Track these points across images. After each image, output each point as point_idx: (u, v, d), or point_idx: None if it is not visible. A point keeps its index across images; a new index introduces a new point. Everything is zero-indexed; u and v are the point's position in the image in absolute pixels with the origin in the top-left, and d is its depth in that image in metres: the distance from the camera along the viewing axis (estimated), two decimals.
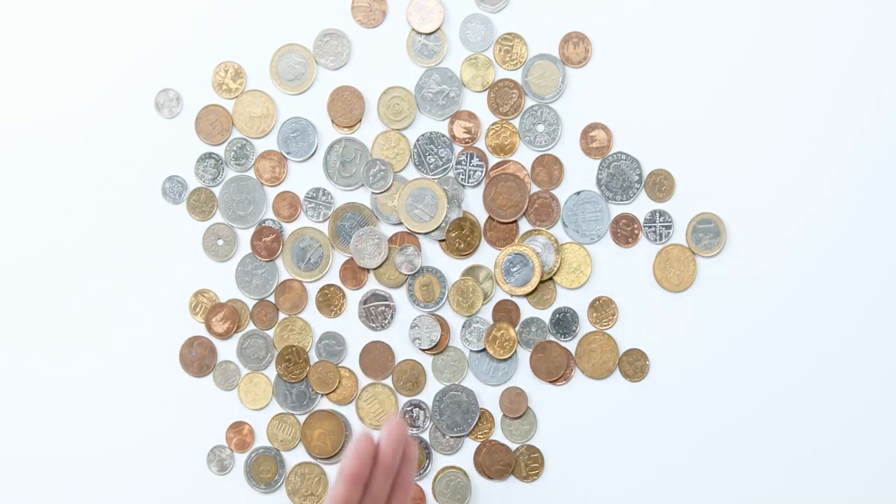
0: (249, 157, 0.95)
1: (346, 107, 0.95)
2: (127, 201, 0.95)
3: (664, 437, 0.93)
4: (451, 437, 0.94)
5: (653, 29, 0.94)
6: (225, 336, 0.95)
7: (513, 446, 0.94)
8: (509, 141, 0.94)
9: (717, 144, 0.94)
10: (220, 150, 0.95)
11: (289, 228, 0.95)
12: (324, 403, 0.95)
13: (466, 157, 0.94)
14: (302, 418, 0.94)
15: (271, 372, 0.95)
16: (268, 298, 0.95)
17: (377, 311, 0.94)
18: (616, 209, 0.94)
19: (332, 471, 0.95)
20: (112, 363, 0.95)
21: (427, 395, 0.94)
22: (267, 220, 0.95)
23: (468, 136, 0.94)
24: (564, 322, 0.94)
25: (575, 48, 0.94)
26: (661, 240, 0.94)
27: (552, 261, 0.93)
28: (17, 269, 0.95)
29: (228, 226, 0.95)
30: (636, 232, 0.94)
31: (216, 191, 0.95)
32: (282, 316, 0.95)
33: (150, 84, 0.95)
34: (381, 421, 0.94)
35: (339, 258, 0.95)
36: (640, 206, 0.94)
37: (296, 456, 0.95)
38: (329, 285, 0.95)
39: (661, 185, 0.94)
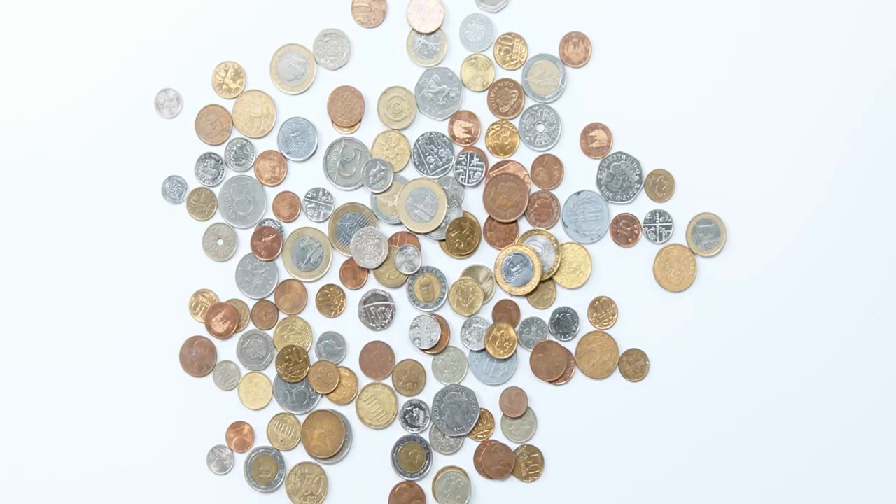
0: (249, 157, 0.95)
1: (346, 107, 0.95)
2: (127, 201, 0.95)
3: (664, 438, 0.93)
4: (451, 437, 0.94)
5: (653, 29, 0.94)
6: (225, 336, 0.95)
7: (513, 446, 0.94)
8: (509, 141, 0.94)
9: (717, 144, 0.94)
10: (220, 150, 0.95)
11: (289, 228, 0.95)
12: (324, 403, 0.95)
13: (466, 157, 0.94)
14: (302, 418, 0.94)
15: (271, 372, 0.95)
16: (268, 298, 0.95)
17: (377, 311, 0.94)
18: (616, 209, 0.94)
19: (332, 471, 0.95)
20: (111, 363, 0.95)
21: (427, 395, 0.94)
22: (267, 220, 0.95)
23: (468, 136, 0.94)
24: (564, 322, 0.94)
25: (575, 48, 0.94)
26: (661, 240, 0.94)
27: (552, 261, 0.93)
28: (16, 268, 0.95)
29: (228, 226, 0.95)
30: (636, 232, 0.94)
31: (216, 191, 0.95)
32: (282, 316, 0.95)
33: (150, 84, 0.95)
34: (381, 421, 0.94)
35: (339, 258, 0.95)
36: (640, 206, 0.94)
37: (296, 456, 0.95)
38: (329, 285, 0.95)
39: (661, 185, 0.94)
